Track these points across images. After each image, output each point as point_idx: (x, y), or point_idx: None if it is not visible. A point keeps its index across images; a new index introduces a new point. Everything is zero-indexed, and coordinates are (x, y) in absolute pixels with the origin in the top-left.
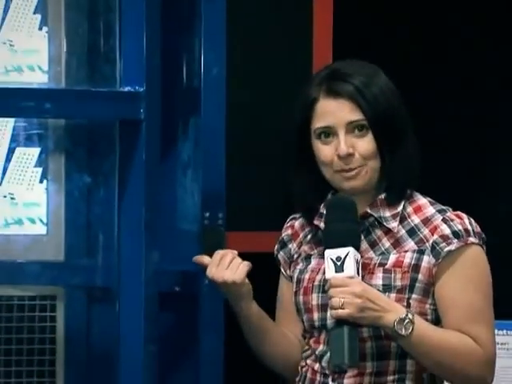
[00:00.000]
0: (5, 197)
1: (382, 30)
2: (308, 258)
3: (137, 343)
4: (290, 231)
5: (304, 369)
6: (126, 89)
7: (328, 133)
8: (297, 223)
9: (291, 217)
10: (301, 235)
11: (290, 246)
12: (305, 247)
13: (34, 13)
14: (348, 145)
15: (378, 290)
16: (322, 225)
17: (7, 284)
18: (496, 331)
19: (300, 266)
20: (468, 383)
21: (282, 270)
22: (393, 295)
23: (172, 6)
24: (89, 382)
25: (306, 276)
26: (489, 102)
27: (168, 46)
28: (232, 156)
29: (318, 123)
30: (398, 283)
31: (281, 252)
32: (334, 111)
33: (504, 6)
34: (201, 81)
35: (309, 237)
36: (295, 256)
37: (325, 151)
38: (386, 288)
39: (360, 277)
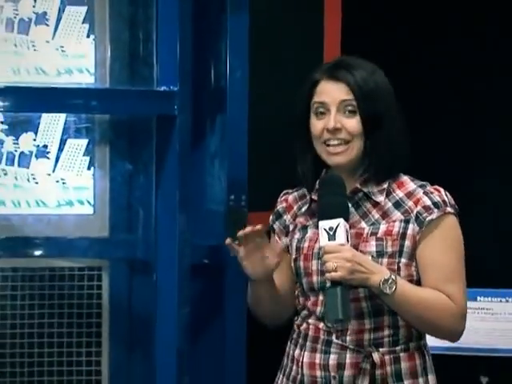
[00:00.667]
0: (57, 182)
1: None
2: (304, 228)
3: (171, 308)
4: (284, 204)
5: (303, 327)
6: (162, 88)
7: (322, 110)
8: (290, 197)
9: (284, 191)
10: (295, 208)
11: (284, 217)
12: (300, 219)
13: (83, 22)
14: (336, 120)
15: (372, 256)
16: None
17: (60, 257)
18: (482, 298)
19: (297, 236)
20: (444, 334)
21: (277, 237)
22: (385, 260)
23: (202, 16)
24: (130, 341)
25: (306, 244)
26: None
27: (198, 51)
28: (253, 145)
29: (316, 98)
30: (389, 249)
31: (276, 222)
32: (330, 91)
33: None
34: (226, 82)
35: (303, 209)
36: (291, 227)
37: (317, 125)
38: (379, 254)
39: (349, 244)
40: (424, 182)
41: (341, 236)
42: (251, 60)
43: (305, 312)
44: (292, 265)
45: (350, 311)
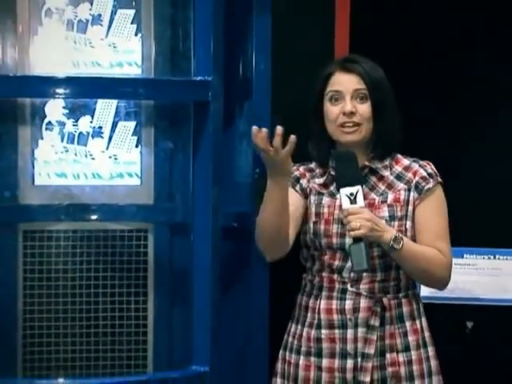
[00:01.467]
0: (110, 157)
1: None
2: (320, 194)
3: (206, 264)
4: (297, 172)
5: (316, 280)
6: (198, 78)
7: (337, 97)
8: (301, 168)
9: (295, 168)
10: (307, 175)
11: (301, 181)
12: (313, 185)
13: (132, 23)
14: (352, 105)
15: (386, 220)
16: (332, 172)
17: (112, 221)
18: (468, 256)
19: (314, 200)
20: (435, 283)
21: (298, 187)
22: (396, 223)
23: (232, 17)
24: (171, 291)
25: (325, 210)
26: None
27: (229, 46)
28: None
29: (331, 88)
30: (399, 214)
31: (297, 185)
32: (344, 81)
33: None
34: (252, 73)
35: (316, 180)
36: (307, 190)
37: (333, 110)
38: (391, 218)
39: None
40: (414, 158)
41: (360, 200)
42: (273, 54)
43: (316, 267)
44: (311, 226)
45: (370, 262)
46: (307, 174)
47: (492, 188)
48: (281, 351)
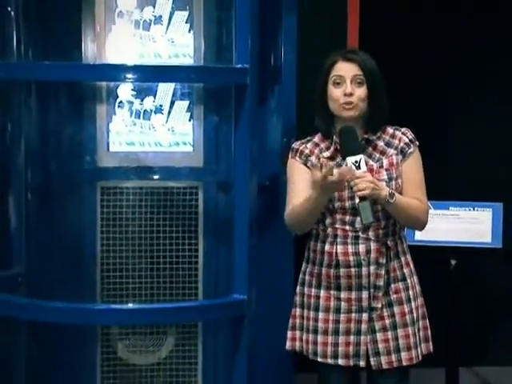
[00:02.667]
0: (168, 130)
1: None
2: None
3: (244, 214)
4: (307, 150)
5: (329, 230)
6: (238, 66)
7: (339, 81)
8: (308, 145)
9: (299, 142)
10: (316, 151)
11: (311, 158)
12: (322, 159)
13: (186, 22)
14: (351, 88)
15: (385, 182)
16: (337, 146)
17: (170, 180)
18: (452, 208)
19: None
20: (418, 225)
21: (309, 163)
22: (393, 183)
23: (265, 17)
24: (217, 237)
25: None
26: None
27: (263, 40)
28: (299, 104)
29: (335, 73)
30: (394, 175)
31: (308, 163)
32: (345, 68)
33: None
34: (281, 62)
35: (325, 154)
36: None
37: (336, 92)
38: (390, 179)
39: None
40: (396, 126)
41: (363, 166)
42: (298, 47)
43: (328, 221)
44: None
45: (374, 216)
46: (315, 151)
47: (474, 153)
48: (298, 287)
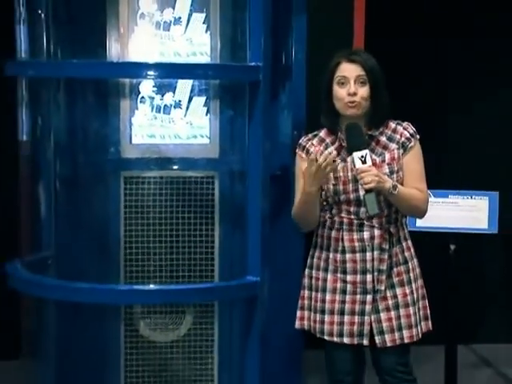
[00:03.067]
0: (187, 123)
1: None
2: (333, 162)
3: (257, 201)
4: (312, 148)
5: (336, 218)
6: (252, 64)
7: (343, 81)
8: (314, 141)
9: (306, 138)
10: (321, 148)
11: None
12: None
13: (203, 23)
14: (355, 87)
15: (388, 175)
16: (342, 143)
17: (188, 170)
18: (452, 196)
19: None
20: (418, 213)
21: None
22: (394, 175)
23: (277, 18)
24: (231, 223)
25: (341, 174)
26: None
27: (275, 40)
28: (309, 100)
29: (339, 73)
30: (395, 169)
31: (307, 155)
32: (349, 69)
33: None
34: (292, 61)
35: (329, 149)
36: None
37: (340, 91)
38: (391, 173)
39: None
40: (397, 121)
41: (369, 161)
42: (308, 46)
43: (335, 211)
44: (331, 187)
45: (379, 207)
46: (321, 147)
47: (472, 145)
48: (307, 270)
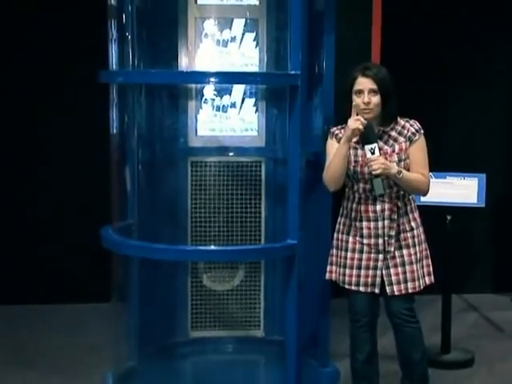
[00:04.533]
0: (240, 119)
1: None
2: (355, 149)
3: (295, 182)
4: (340, 134)
5: (356, 194)
6: (292, 72)
7: (360, 92)
8: (343, 131)
9: (339, 127)
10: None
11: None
12: (351, 143)
13: (253, 40)
14: (368, 98)
15: (397, 162)
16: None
17: (241, 156)
18: (448, 177)
19: (352, 152)
20: (421, 192)
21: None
22: (402, 162)
23: (312, 36)
24: (275, 200)
25: (359, 159)
26: None
27: (310, 53)
28: (336, 101)
29: (356, 87)
30: (403, 157)
31: (337, 138)
32: (363, 82)
33: None
34: (323, 70)
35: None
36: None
37: (357, 100)
38: (400, 160)
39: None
40: (407, 118)
41: (377, 152)
42: (335, 59)
43: (355, 188)
44: (351, 168)
45: (386, 189)
46: None
47: (467, 133)
48: (335, 234)
